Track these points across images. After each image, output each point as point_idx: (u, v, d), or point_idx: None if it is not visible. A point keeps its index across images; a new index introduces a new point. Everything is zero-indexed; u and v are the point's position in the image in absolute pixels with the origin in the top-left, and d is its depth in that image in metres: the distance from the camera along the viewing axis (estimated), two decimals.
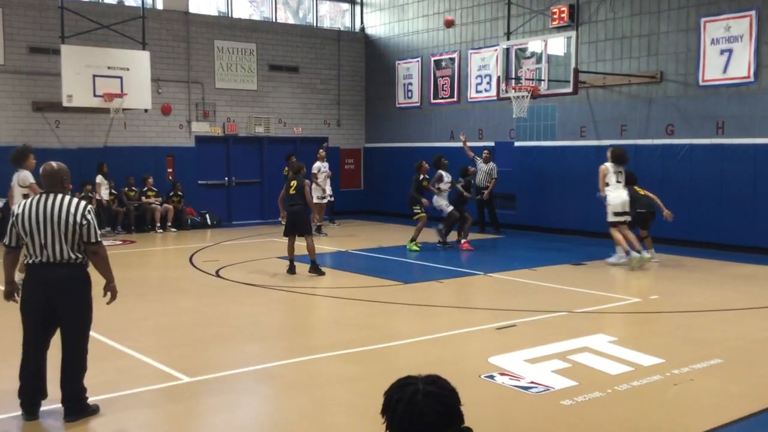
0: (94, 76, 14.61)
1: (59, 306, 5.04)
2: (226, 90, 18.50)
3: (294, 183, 10.87)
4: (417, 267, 12.05)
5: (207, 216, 17.69)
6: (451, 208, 13.76)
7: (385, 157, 20.08)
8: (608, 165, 11.62)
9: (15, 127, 15.79)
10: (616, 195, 11.55)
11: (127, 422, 5.11)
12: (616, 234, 11.40)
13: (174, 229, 16.74)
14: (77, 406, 5.08)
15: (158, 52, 16.89)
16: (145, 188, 16.84)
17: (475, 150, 16.37)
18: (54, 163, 5.23)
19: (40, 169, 5.26)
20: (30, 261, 5.04)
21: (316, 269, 10.71)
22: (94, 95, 14.64)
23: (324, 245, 14.05)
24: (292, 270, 10.78)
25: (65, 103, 14.51)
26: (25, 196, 8.74)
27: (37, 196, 5.11)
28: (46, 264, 4.99)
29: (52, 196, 5.07)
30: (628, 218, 11.57)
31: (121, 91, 14.82)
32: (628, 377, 5.97)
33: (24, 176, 9.19)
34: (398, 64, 19.74)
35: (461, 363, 6.44)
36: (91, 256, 5.14)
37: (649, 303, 9.04)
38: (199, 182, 18.18)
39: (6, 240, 5.14)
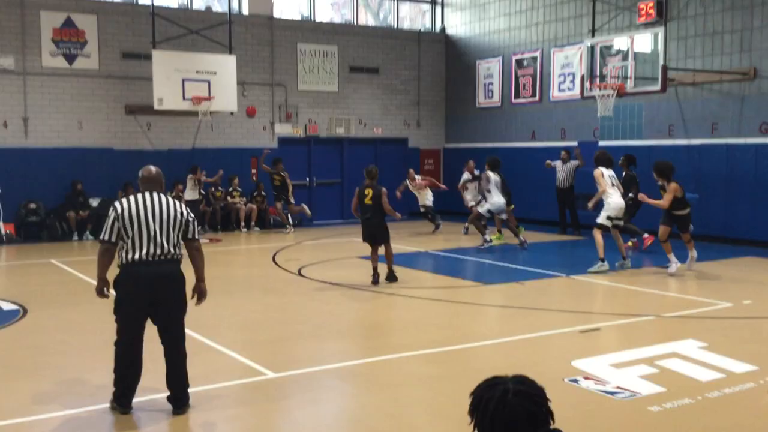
0: (183, 80, 15.12)
1: (164, 301, 5.14)
2: (308, 92, 18.81)
3: (369, 192, 10.05)
4: (496, 268, 11.94)
5: (289, 216, 18.00)
6: (472, 203, 14.54)
7: (464, 157, 19.94)
8: (602, 169, 11.18)
9: (109, 130, 16.50)
10: (617, 200, 11.11)
11: (214, 415, 5.27)
12: (599, 236, 11.03)
13: (258, 229, 17.15)
14: (187, 396, 5.27)
15: (243, 55, 17.32)
16: (231, 188, 17.31)
17: (556, 150, 16.13)
18: (153, 167, 5.38)
19: (140, 172, 5.35)
20: (132, 257, 5.03)
21: (392, 277, 10.32)
22: (183, 98, 15.16)
23: (404, 246, 14.10)
24: (375, 280, 10.16)
25: (156, 107, 15.08)
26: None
27: (139, 194, 5.17)
28: (151, 260, 5.04)
29: (154, 194, 5.18)
30: (620, 223, 11.34)
31: (209, 94, 15.29)
32: (719, 384, 5.76)
33: None
34: (479, 63, 19.61)
35: (543, 366, 6.35)
36: (195, 253, 5.29)
37: (742, 308, 8.69)
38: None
39: (105, 235, 5.09)
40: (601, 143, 16.26)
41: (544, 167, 16.05)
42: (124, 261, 5.08)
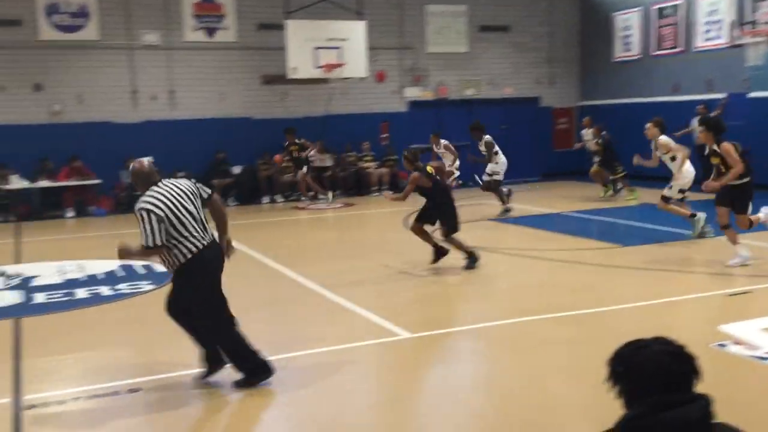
0: (316, 48, 15.45)
1: (219, 282, 5.07)
2: (436, 54, 18.69)
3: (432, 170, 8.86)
4: (635, 229, 11.50)
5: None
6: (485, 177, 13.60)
7: (600, 115, 19.23)
8: (666, 138, 10.01)
9: (246, 100, 17.16)
10: (690, 170, 9.88)
11: (351, 375, 5.45)
12: (671, 207, 9.87)
13: (391, 192, 17.36)
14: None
15: (373, 20, 17.42)
16: (362, 153, 17.60)
17: (697, 104, 15.20)
18: (144, 160, 5.08)
19: (136, 168, 4.99)
20: (196, 247, 4.85)
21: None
22: (316, 66, 15.50)
23: (536, 207, 13.85)
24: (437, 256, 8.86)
25: (290, 76, 15.51)
26: None
27: (157, 188, 4.88)
28: (209, 245, 4.93)
29: (161, 183, 4.94)
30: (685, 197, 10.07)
31: (340, 60, 15.54)
32: None
33: None
34: (615, 15, 18.71)
35: (687, 330, 6.09)
36: (218, 203, 5.20)
37: None
38: (412, 146, 18.60)
39: (151, 240, 4.72)
40: (752, 95, 15.15)
41: (687, 123, 15.18)
42: (189, 256, 4.85)
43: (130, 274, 8.96)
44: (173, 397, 5.05)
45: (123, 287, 8.33)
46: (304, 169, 15.81)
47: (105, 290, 8.21)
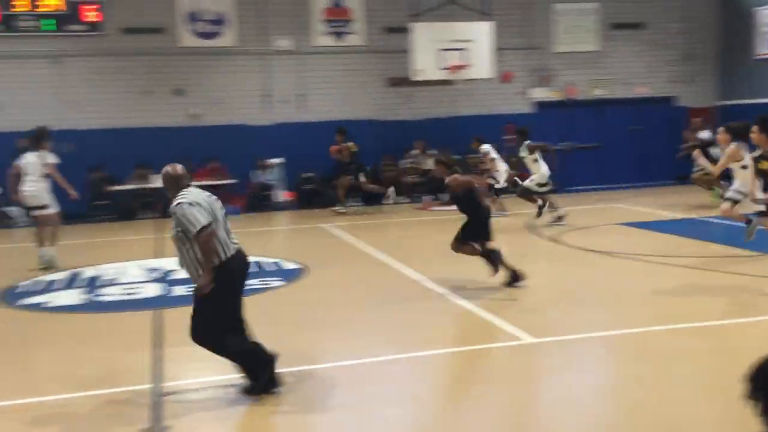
0: (441, 49, 15.52)
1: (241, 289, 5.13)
2: (565, 54, 18.26)
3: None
4: None
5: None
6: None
7: (741, 114, 18.15)
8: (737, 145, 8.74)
9: (372, 102, 17.47)
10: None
11: (470, 377, 5.44)
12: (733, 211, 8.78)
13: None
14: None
15: (499, 21, 17.25)
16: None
17: None
18: (179, 166, 5.15)
19: (166, 171, 5.09)
20: (228, 250, 4.92)
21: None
22: (441, 68, 15.56)
23: (668, 212, 13.26)
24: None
25: (415, 78, 15.66)
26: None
27: (190, 189, 4.96)
28: (239, 250, 5.04)
29: (193, 188, 5.01)
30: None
31: (465, 62, 15.53)
32: None
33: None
34: (757, 10, 17.60)
35: None
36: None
37: None
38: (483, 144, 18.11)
39: (202, 221, 4.75)
40: None
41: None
42: (227, 256, 4.92)
43: (261, 271, 9.36)
44: (303, 390, 5.22)
45: (254, 282, 8.70)
46: (356, 176, 15.31)
47: None
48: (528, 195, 12.92)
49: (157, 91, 16.46)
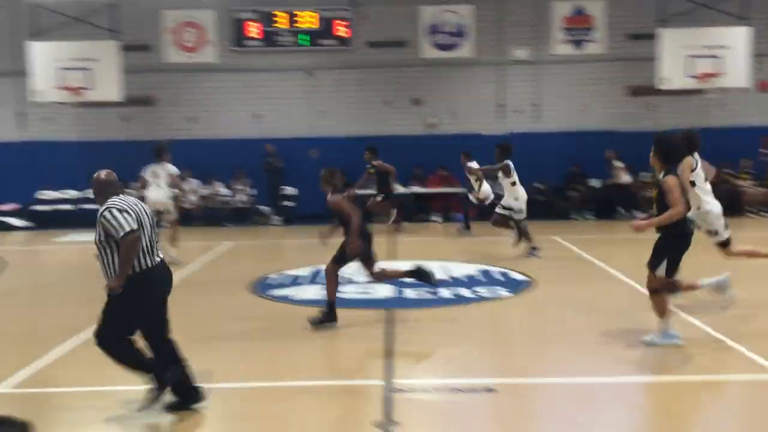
0: (691, 56, 14.57)
1: (163, 304, 5.04)
2: None
3: None
4: None
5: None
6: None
7: None
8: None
9: (608, 112, 16.85)
10: (714, 203, 7.92)
11: (720, 410, 5.01)
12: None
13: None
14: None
15: (758, 25, 15.80)
16: (740, 171, 16.07)
17: None
18: (109, 173, 5.07)
19: (100, 177, 5.01)
20: (151, 261, 4.88)
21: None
22: (690, 76, 14.61)
23: None
24: None
25: (660, 86, 14.83)
26: None
27: (119, 198, 4.91)
28: (162, 261, 5.01)
29: (128, 197, 5.01)
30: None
31: (717, 69, 14.44)
32: None
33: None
34: None
35: None
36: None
37: None
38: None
39: (128, 226, 4.73)
40: None
41: None
42: (147, 264, 4.86)
43: (490, 280, 9.39)
44: (527, 403, 5.16)
45: (482, 291, 8.75)
46: (383, 197, 14.18)
47: (466, 292, 8.71)
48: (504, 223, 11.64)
49: (397, 101, 17.19)
